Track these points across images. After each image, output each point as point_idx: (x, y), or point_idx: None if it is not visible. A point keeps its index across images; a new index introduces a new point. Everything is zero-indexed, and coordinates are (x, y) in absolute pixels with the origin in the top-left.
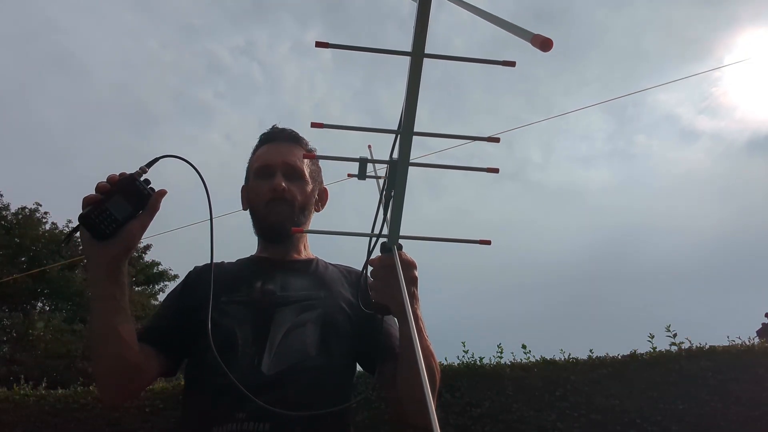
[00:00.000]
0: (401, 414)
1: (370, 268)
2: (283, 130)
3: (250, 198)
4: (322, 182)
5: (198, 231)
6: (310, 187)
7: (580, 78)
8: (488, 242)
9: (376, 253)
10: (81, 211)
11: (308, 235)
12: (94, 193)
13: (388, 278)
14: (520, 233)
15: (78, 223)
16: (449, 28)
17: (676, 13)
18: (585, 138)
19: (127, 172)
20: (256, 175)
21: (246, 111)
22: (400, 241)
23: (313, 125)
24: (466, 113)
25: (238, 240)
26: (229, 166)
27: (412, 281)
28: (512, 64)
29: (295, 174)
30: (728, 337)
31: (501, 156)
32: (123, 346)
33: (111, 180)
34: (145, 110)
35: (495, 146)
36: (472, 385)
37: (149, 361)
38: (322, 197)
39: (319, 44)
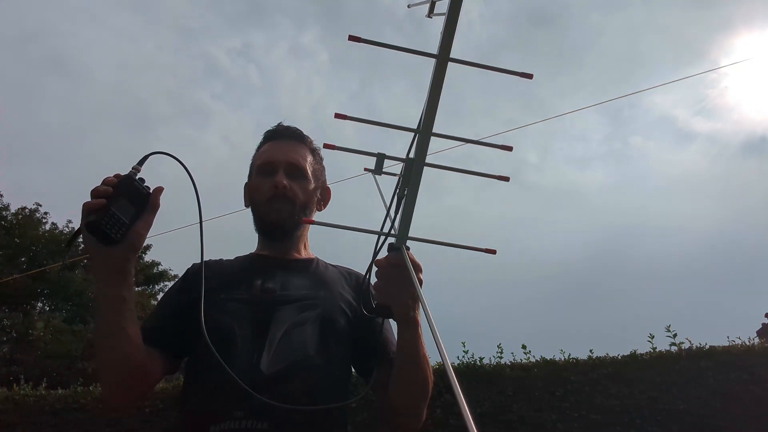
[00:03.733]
0: (392, 419)
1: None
2: (288, 127)
3: (251, 195)
4: (325, 181)
5: (198, 231)
6: (312, 186)
7: (576, 80)
8: (493, 251)
9: (383, 252)
10: (84, 218)
11: (309, 234)
12: (90, 198)
13: (395, 278)
14: (519, 234)
15: (85, 229)
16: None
17: (671, 16)
18: (581, 140)
19: (121, 173)
20: (258, 173)
21: (243, 112)
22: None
23: (337, 116)
24: (464, 114)
25: (239, 240)
26: (227, 167)
27: (418, 284)
28: (530, 76)
29: (297, 172)
30: (728, 337)
31: (498, 158)
32: (132, 348)
33: (109, 182)
34: (143, 111)
35: (491, 149)
36: (472, 385)
37: (153, 362)
38: (325, 196)
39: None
